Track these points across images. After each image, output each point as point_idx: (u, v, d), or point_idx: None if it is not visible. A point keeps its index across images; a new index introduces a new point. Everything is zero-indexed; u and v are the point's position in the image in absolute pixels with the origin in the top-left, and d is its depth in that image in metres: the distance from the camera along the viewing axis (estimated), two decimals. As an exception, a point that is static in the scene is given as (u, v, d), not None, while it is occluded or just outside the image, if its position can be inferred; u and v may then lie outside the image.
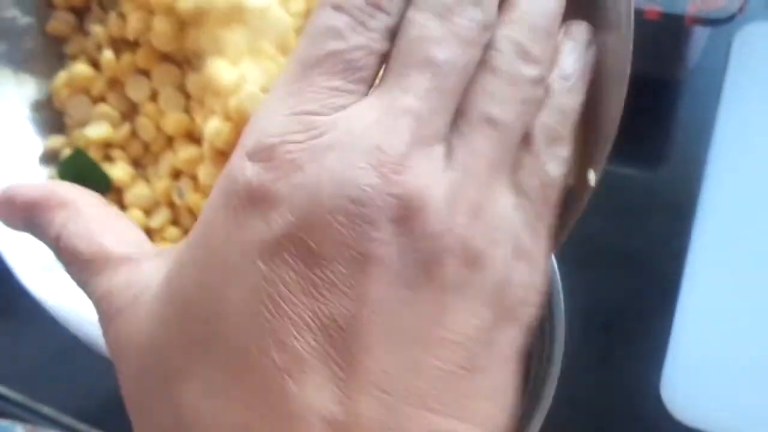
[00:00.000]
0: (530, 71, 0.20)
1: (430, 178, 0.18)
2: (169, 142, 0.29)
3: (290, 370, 0.17)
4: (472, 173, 0.19)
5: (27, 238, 0.23)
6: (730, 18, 0.39)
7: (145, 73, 0.29)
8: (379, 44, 0.19)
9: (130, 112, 0.30)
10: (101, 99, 0.30)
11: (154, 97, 0.29)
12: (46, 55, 0.31)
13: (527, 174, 0.20)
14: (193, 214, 0.29)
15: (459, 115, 0.19)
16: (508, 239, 0.19)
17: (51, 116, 0.31)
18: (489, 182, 0.19)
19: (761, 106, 0.46)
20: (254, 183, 0.18)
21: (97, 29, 0.29)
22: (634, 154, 0.47)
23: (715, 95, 0.47)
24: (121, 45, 0.29)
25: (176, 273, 0.19)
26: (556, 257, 0.34)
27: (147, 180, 0.29)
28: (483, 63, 0.20)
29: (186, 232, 0.29)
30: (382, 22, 0.19)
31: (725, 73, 0.47)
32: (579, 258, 0.40)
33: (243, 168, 0.18)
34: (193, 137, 0.28)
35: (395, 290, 0.18)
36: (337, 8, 0.19)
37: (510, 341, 0.19)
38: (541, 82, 0.20)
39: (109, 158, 0.29)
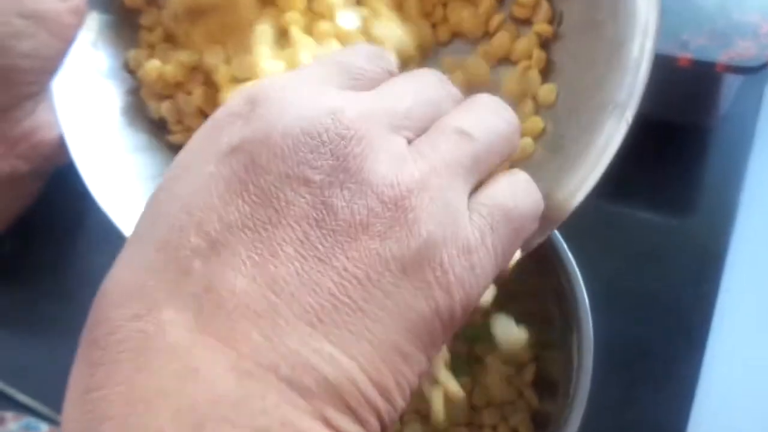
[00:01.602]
0: (507, 114, 0.24)
1: (380, 139, 0.21)
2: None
3: (201, 251, 0.19)
4: (427, 160, 0.21)
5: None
6: (762, 67, 0.39)
7: (220, 41, 0.31)
8: (374, 74, 0.23)
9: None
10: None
11: (227, 60, 0.31)
12: (123, 25, 0.33)
13: (492, 196, 0.23)
14: None
15: (432, 127, 0.23)
16: (450, 225, 0.21)
17: (126, 77, 0.33)
18: (442, 173, 0.21)
19: (792, 155, 0.46)
20: (234, 108, 0.21)
21: (175, 2, 0.31)
22: (665, 200, 0.47)
23: (746, 142, 0.47)
24: (195, 15, 0.31)
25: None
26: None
27: None
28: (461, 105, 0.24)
29: None
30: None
31: (757, 121, 0.47)
32: (608, 300, 0.40)
33: (232, 100, 0.22)
34: None
35: (317, 212, 0.20)
36: (352, 53, 0.24)
37: (414, 309, 0.20)
38: (513, 133, 0.24)
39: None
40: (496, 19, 0.32)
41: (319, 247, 0.20)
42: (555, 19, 0.32)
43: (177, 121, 0.32)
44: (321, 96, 0.21)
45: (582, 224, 0.43)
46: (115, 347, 0.19)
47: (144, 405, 0.18)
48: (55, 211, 0.50)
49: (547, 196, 0.26)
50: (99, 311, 0.20)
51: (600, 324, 0.36)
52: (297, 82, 0.22)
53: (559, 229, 0.35)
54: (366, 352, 0.19)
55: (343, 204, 0.20)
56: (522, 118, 0.30)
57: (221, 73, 0.30)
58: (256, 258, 0.19)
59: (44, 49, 0.31)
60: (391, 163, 0.21)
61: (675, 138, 0.48)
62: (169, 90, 0.32)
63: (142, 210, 0.22)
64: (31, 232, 0.50)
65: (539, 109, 0.31)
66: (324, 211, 0.20)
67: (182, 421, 0.18)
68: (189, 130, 0.32)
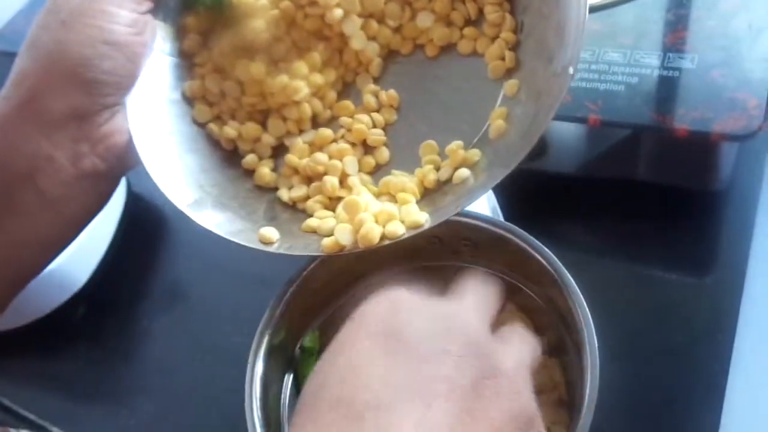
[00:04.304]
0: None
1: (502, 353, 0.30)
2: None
3: (370, 404, 0.26)
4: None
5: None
6: (753, 134, 0.43)
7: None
8: None
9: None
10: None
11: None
12: (182, 64, 0.43)
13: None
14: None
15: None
16: (523, 415, 0.29)
17: (182, 101, 0.43)
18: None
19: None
20: (378, 309, 0.31)
21: (223, 42, 0.41)
22: (679, 258, 0.50)
23: (752, 204, 0.50)
24: (239, 51, 0.41)
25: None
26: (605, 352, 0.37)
27: None
28: None
29: None
30: None
31: (762, 182, 0.50)
32: (628, 353, 0.43)
33: (376, 304, 0.31)
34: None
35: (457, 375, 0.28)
36: None
37: None
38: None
39: None
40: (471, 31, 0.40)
41: (463, 403, 0.27)
42: (518, 28, 0.39)
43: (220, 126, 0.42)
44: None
45: (603, 283, 0.46)
46: None
47: None
48: (120, 283, 0.56)
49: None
50: None
51: (621, 374, 0.38)
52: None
53: (586, 287, 0.39)
54: None
55: (471, 382, 0.28)
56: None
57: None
58: (416, 409, 0.26)
59: (120, 69, 0.38)
60: (491, 357, 0.29)
61: (687, 202, 0.51)
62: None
63: (309, 380, 0.29)
64: (99, 300, 0.56)
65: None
66: (462, 380, 0.28)
67: None
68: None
